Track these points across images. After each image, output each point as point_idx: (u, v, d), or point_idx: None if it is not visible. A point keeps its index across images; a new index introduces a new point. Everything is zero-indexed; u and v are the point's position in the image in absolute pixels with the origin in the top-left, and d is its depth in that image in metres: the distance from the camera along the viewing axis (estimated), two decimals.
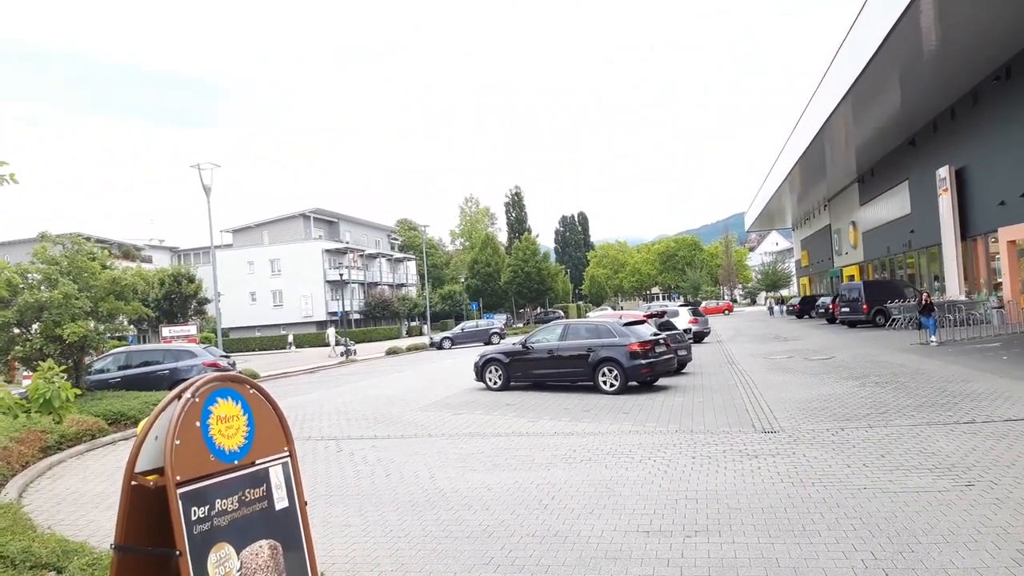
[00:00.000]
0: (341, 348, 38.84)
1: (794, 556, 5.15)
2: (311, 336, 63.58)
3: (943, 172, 30.39)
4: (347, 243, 77.32)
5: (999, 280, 26.98)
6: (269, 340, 64.98)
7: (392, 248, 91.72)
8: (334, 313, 69.63)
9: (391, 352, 39.32)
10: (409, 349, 41.50)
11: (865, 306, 31.61)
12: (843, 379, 14.92)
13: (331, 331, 42.68)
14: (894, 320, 29.61)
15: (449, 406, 15.02)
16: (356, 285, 75.87)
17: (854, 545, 5.27)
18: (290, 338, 62.13)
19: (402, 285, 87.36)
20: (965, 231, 29.74)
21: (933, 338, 21.02)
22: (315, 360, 37.09)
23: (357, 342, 54.35)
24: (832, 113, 30.87)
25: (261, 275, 73.54)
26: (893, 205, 39.64)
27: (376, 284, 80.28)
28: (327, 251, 73.61)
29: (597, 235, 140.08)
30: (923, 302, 22.41)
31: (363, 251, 79.03)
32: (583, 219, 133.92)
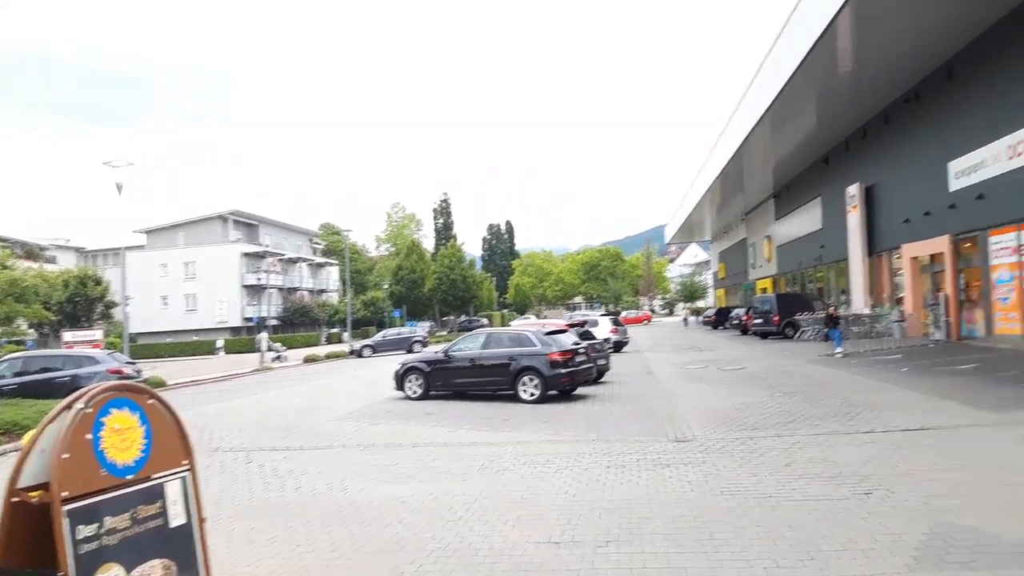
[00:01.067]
0: (273, 354, 38.71)
1: (701, 565, 5.24)
2: (242, 341, 61.63)
3: (853, 190, 31.87)
4: (267, 247, 75.36)
5: (901, 295, 28.45)
6: (190, 346, 62.58)
7: (314, 253, 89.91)
8: (250, 319, 67.71)
9: (309, 360, 38.46)
10: (328, 357, 40.69)
11: (776, 318, 32.82)
12: (754, 389, 15.41)
13: (263, 336, 41.93)
14: (803, 332, 30.83)
15: (366, 416, 14.76)
16: (275, 290, 73.98)
17: (759, 554, 5.40)
18: (219, 343, 60.05)
19: (323, 291, 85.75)
20: (872, 247, 31.25)
21: (839, 350, 21.98)
22: (242, 366, 35.93)
23: (249, 351, 52.56)
24: (751, 131, 31.99)
25: (175, 278, 70.93)
26: (806, 220, 41.33)
27: (296, 289, 78.55)
28: (246, 255, 71.60)
29: (523, 244, 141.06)
30: (830, 315, 23.42)
31: (283, 255, 77.21)
32: (510, 228, 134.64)
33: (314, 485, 8.72)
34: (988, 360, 17.23)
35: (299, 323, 72.77)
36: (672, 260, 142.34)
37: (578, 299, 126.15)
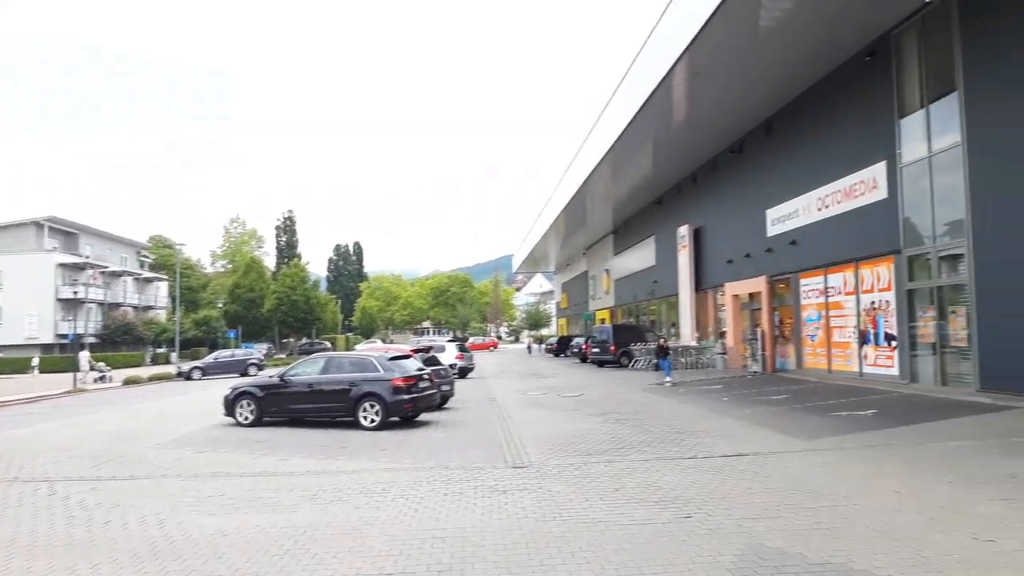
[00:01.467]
0: (96, 374, 36.67)
1: None
2: (54, 360, 55.75)
3: (683, 231, 34.12)
4: (87, 258, 69.21)
5: (724, 329, 30.66)
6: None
7: (142, 266, 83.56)
8: (65, 335, 61.73)
9: (130, 382, 35.53)
10: (152, 379, 37.80)
11: (613, 347, 34.33)
12: (589, 415, 15.94)
13: (84, 355, 39.00)
14: (636, 361, 32.41)
15: (191, 443, 13.79)
16: (95, 305, 67.99)
17: None
18: (34, 361, 54.04)
19: (151, 307, 79.77)
20: (699, 284, 33.53)
21: (668, 379, 23.28)
22: (56, 387, 32.44)
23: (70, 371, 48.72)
24: (594, 169, 33.55)
25: None
26: (641, 257, 43.71)
27: (120, 305, 72.54)
28: (62, 265, 65.33)
29: (372, 267, 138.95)
30: (660, 346, 24.79)
31: (106, 267, 71.18)
32: (358, 249, 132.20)
33: (126, 519, 7.99)
34: (798, 391, 18.87)
35: (121, 341, 67.17)
36: (519, 289, 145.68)
37: (426, 324, 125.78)
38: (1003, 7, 14.91)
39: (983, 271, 15.29)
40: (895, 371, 18.48)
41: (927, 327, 17.39)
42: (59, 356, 57.49)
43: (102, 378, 36.15)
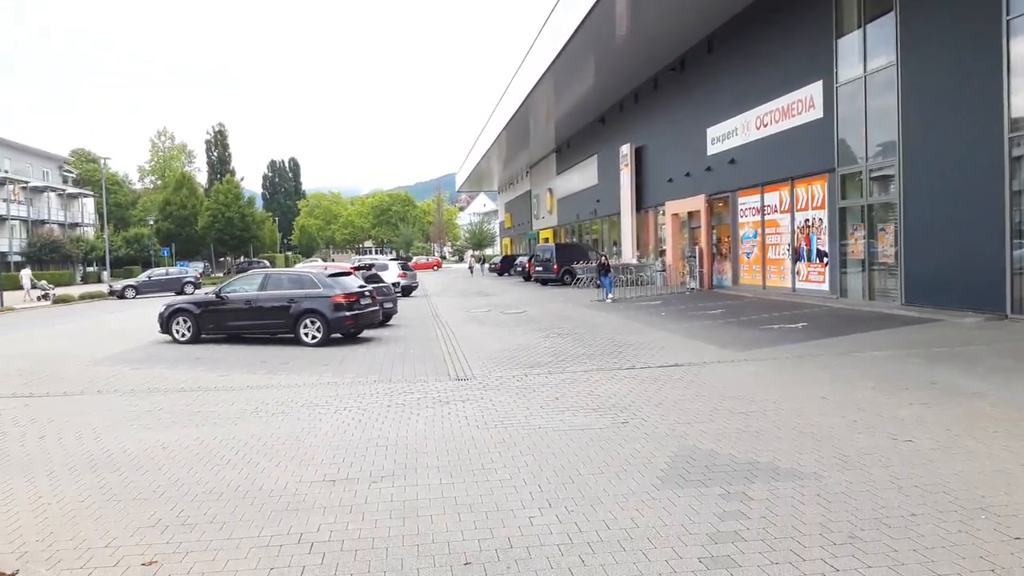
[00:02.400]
0: (38, 292, 36.06)
1: (471, 494, 5.42)
2: (8, 278, 53.31)
3: (625, 149, 34.11)
4: (6, 172, 65.47)
5: (664, 247, 31.18)
6: None
7: (65, 182, 79.50)
8: None
9: (60, 301, 34.38)
10: (83, 297, 36.64)
11: (556, 266, 34.65)
12: (532, 331, 16.18)
13: (25, 272, 38.66)
14: (578, 279, 32.84)
15: (127, 360, 13.52)
16: (18, 222, 64.84)
17: (524, 480, 5.70)
18: None
19: (77, 225, 76.37)
20: (640, 203, 33.80)
21: (609, 296, 23.70)
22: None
23: (11, 288, 47.42)
24: (535, 85, 32.95)
25: None
26: (584, 176, 43.69)
27: (44, 222, 69.29)
28: None
29: (310, 184, 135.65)
30: (602, 264, 25.12)
31: (27, 183, 67.55)
32: (295, 166, 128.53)
33: (61, 434, 7.84)
34: (734, 307, 19.47)
35: (49, 260, 64.47)
36: (462, 208, 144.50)
37: (368, 243, 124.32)
38: None
39: (912, 191, 15.80)
40: (826, 287, 19.20)
41: (857, 244, 18.01)
42: None
43: (45, 296, 35.32)
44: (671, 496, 5.23)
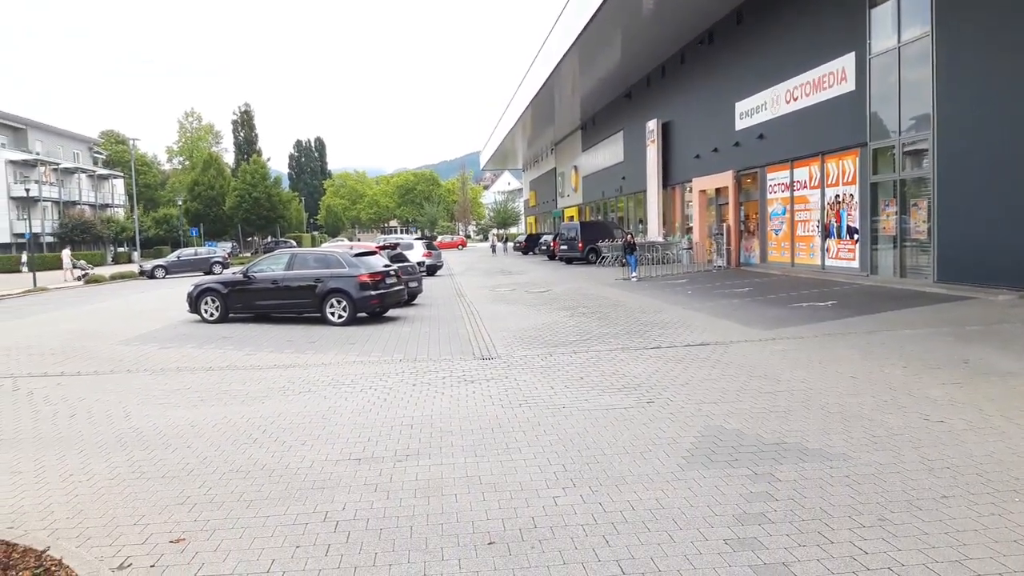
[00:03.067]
0: (78, 271, 37.26)
1: (496, 472, 5.42)
2: (11, 259, 55.11)
3: (652, 125, 33.67)
4: (38, 154, 66.53)
5: (691, 225, 30.84)
6: None
7: (96, 163, 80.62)
8: (21, 234, 60.15)
9: (92, 281, 34.97)
10: (113, 277, 37.26)
11: (581, 244, 34.45)
12: (556, 310, 16.12)
13: (66, 252, 40.77)
14: (604, 258, 32.65)
15: (156, 339, 13.71)
16: (50, 204, 65.94)
17: (549, 459, 5.68)
18: (23, 258, 53.76)
19: (107, 206, 77.57)
20: (667, 180, 33.42)
21: (634, 274, 23.53)
22: (14, 286, 31.83)
23: (51, 268, 49.06)
24: (561, 60, 32.57)
25: None
26: (609, 153, 43.26)
27: (75, 203, 70.43)
28: (12, 162, 62.85)
29: (335, 163, 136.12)
30: (627, 242, 24.92)
31: (58, 164, 68.61)
32: (320, 145, 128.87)
33: (91, 412, 7.98)
34: (761, 284, 19.23)
35: (80, 240, 65.63)
36: (487, 187, 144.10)
37: (394, 223, 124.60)
38: None
39: (945, 165, 15.40)
40: (856, 264, 18.87)
41: (889, 220, 17.64)
42: (14, 256, 56.37)
43: (84, 275, 36.18)
44: (697, 477, 5.19)
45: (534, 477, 5.30)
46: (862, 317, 12.62)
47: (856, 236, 18.84)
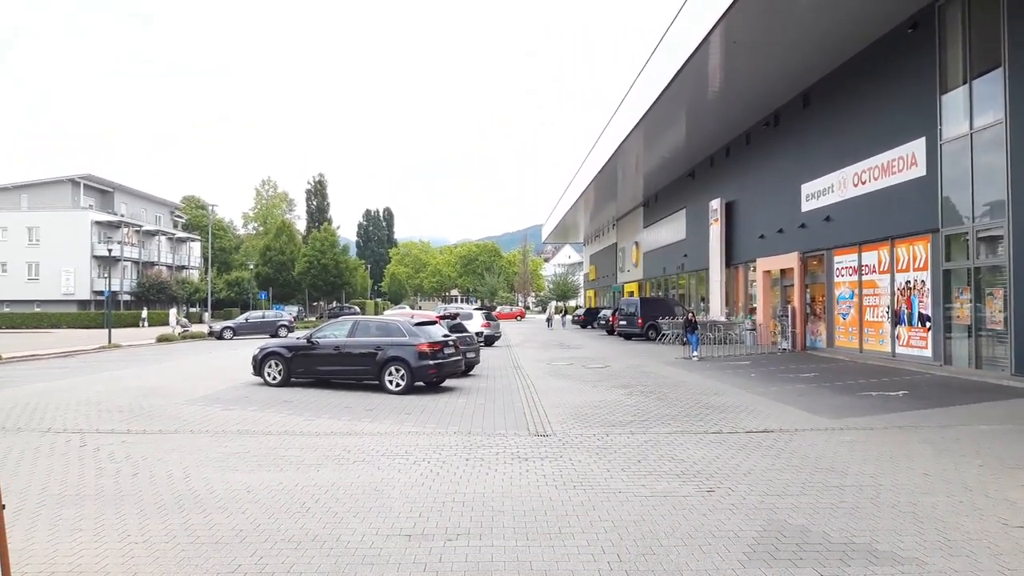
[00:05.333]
0: (180, 328, 42.68)
1: (547, 558, 5.29)
2: (90, 316, 58.92)
3: (715, 204, 33.62)
4: (122, 216, 70.31)
5: (754, 305, 30.30)
6: (45, 317, 58.63)
7: (175, 226, 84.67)
8: (100, 292, 63.11)
9: (162, 339, 36.27)
10: (183, 337, 38.55)
11: (640, 320, 34.15)
12: (614, 387, 15.90)
13: (173, 311, 48.06)
14: (664, 335, 32.22)
15: (219, 401, 14.04)
16: (129, 263, 69.23)
17: (603, 548, 5.52)
18: (144, 314, 59.34)
19: (184, 267, 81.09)
20: (730, 259, 33.10)
21: (695, 353, 23.11)
22: (89, 343, 33.32)
23: (127, 326, 51.63)
24: (626, 139, 33.07)
25: (16, 244, 64.96)
26: (671, 230, 43.23)
27: (153, 264, 73.80)
28: (98, 223, 66.57)
29: (402, 232, 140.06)
30: (688, 320, 24.58)
31: (140, 226, 72.32)
32: (388, 215, 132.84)
33: (152, 471, 8.16)
34: (828, 370, 18.63)
35: (155, 299, 68.46)
36: (548, 259, 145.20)
37: (455, 292, 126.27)
38: None
39: (1021, 253, 14.86)
40: (928, 352, 18.15)
41: (963, 309, 17.00)
42: (94, 312, 59.15)
43: (186, 330, 41.67)
44: (758, 575, 4.95)
45: (587, 566, 5.14)
46: (935, 410, 12.05)
47: (928, 324, 18.18)
